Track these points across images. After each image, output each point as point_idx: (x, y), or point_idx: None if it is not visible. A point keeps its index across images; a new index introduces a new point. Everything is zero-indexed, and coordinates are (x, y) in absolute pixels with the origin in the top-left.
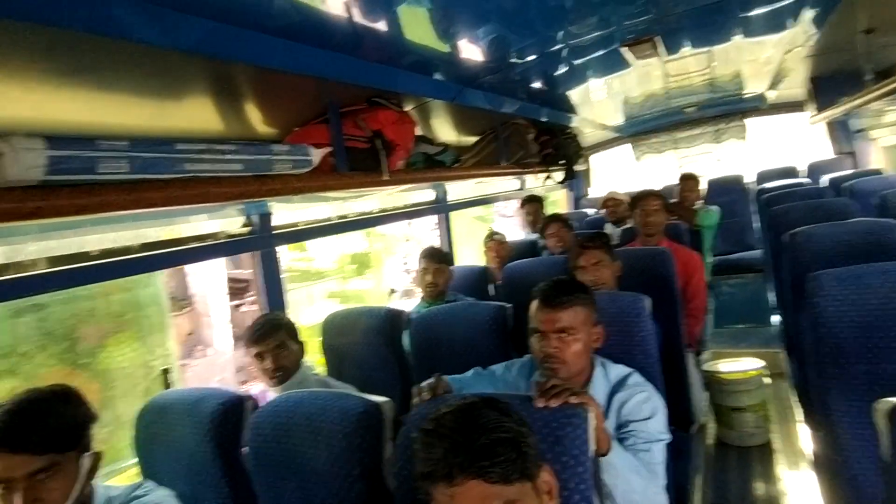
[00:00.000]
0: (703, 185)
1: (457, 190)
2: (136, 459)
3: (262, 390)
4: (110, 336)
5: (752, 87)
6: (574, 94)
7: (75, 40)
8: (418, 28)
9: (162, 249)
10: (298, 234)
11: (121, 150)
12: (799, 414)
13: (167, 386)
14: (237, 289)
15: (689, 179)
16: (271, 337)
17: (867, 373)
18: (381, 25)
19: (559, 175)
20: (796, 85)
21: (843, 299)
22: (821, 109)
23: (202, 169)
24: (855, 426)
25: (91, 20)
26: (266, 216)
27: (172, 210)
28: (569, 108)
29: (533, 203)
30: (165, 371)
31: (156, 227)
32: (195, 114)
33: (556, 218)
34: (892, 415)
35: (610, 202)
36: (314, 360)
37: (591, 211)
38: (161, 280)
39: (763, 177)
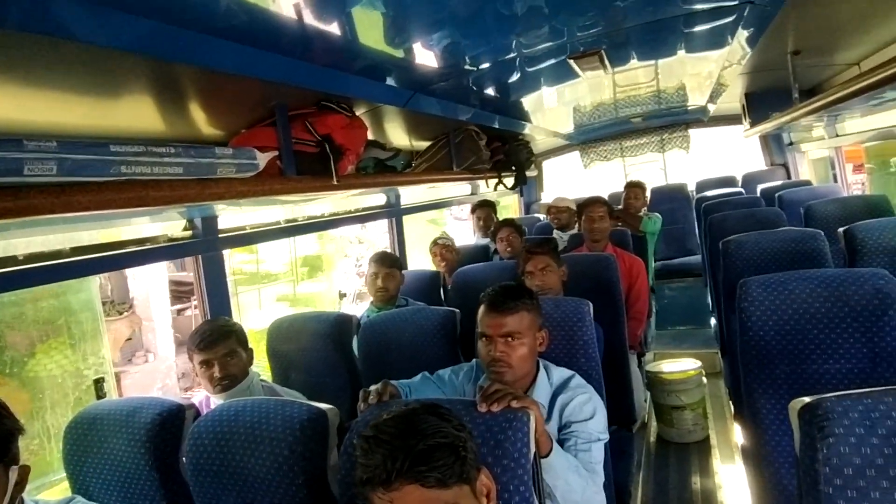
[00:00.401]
0: (648, 193)
1: (409, 193)
2: (66, 473)
3: (205, 397)
4: (39, 344)
5: (695, 100)
6: (526, 102)
7: (3, 36)
8: (371, 32)
9: (96, 254)
10: (245, 238)
11: (49, 151)
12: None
13: (100, 396)
14: (180, 293)
15: (634, 187)
16: (220, 344)
17: (789, 374)
18: (333, 28)
19: (510, 181)
20: (733, 99)
21: (768, 304)
22: (753, 124)
23: (139, 172)
24: (776, 423)
25: (25, 17)
26: (211, 219)
27: (108, 213)
28: (521, 116)
29: (484, 208)
30: (98, 381)
31: (91, 229)
32: (133, 114)
33: (506, 223)
34: (803, 413)
35: (552, 209)
36: (260, 365)
37: (542, 216)
38: (95, 285)
39: (702, 186)
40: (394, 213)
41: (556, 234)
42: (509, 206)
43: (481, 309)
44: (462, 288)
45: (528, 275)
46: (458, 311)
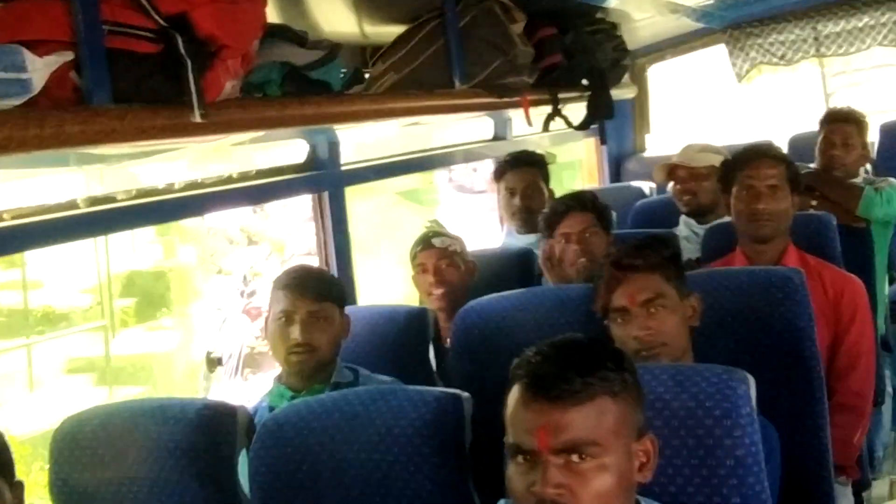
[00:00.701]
0: (873, 136)
1: (360, 139)
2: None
3: None
4: None
5: None
6: None
7: None
8: None
9: None
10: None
11: None
12: None
13: None
14: None
15: (845, 122)
16: None
17: None
18: None
19: (577, 110)
20: None
21: None
22: None
23: None
24: None
25: None
26: None
27: None
28: None
29: (522, 170)
30: None
31: None
32: None
33: (573, 202)
34: None
35: (681, 171)
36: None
37: (646, 186)
38: None
39: None
40: (325, 180)
41: (682, 225)
42: (575, 166)
43: (514, 395)
44: (474, 343)
45: (622, 318)
46: (464, 395)
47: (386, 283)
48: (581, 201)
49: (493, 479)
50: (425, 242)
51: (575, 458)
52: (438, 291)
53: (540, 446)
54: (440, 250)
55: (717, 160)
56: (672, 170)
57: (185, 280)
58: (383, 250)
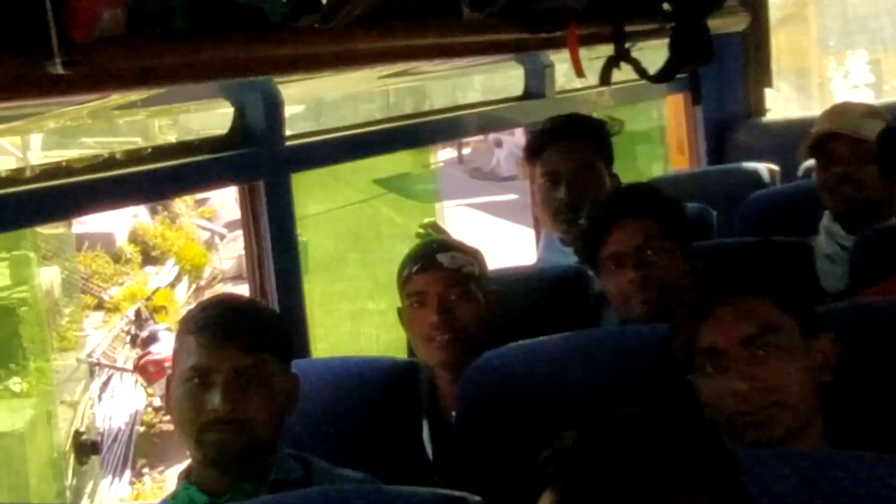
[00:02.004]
0: None
1: (313, 99)
2: None
3: None
4: None
5: None
6: None
7: None
8: None
9: None
10: None
11: None
12: None
13: None
14: None
15: None
16: None
17: None
18: None
19: (655, 56)
20: None
21: None
22: None
23: None
24: None
25: None
26: None
27: None
28: None
29: (570, 145)
30: None
31: None
32: None
33: (621, 207)
34: None
35: (840, 145)
36: None
37: (765, 169)
38: None
39: None
40: (260, 163)
41: (823, 235)
42: (653, 138)
43: None
44: (491, 415)
45: (711, 363)
46: (474, 500)
47: (357, 323)
48: (639, 200)
49: None
50: (425, 259)
51: None
52: (444, 337)
53: None
54: (448, 273)
55: (879, 121)
56: (823, 142)
57: (43, 319)
58: (351, 272)
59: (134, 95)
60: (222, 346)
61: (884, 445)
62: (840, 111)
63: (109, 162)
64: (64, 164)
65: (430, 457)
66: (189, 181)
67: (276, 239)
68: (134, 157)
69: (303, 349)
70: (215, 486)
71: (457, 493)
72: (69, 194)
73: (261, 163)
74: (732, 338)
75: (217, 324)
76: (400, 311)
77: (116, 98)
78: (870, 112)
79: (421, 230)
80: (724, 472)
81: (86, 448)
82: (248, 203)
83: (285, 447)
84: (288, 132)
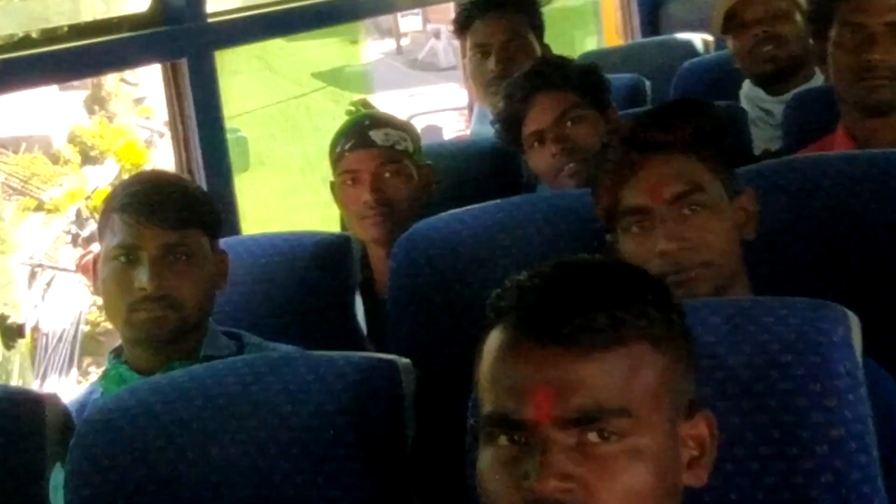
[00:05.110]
0: None
1: None
2: None
3: None
4: None
5: None
6: None
7: None
8: None
9: None
10: None
11: None
12: None
13: None
14: None
15: None
16: None
17: None
18: None
19: None
20: None
21: None
22: None
23: None
24: None
25: None
26: None
27: None
28: None
29: (499, 16)
30: None
31: None
32: None
33: (537, 81)
34: None
35: (754, 8)
36: None
37: (698, 39)
38: None
39: None
40: (181, 39)
41: (744, 101)
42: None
43: (496, 342)
44: (422, 283)
45: (636, 223)
46: (403, 362)
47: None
48: (551, 73)
49: (446, 486)
50: (358, 136)
51: (593, 435)
52: (378, 215)
53: (538, 416)
54: (382, 150)
55: None
56: (738, 8)
57: None
58: (283, 161)
59: None
60: (149, 222)
61: (814, 294)
62: None
63: (26, 41)
64: None
65: (364, 328)
66: (110, 60)
67: (201, 117)
68: (52, 35)
69: (232, 227)
70: (146, 364)
71: (388, 357)
72: None
73: (182, 40)
74: (660, 196)
75: (143, 201)
76: (332, 185)
77: None
78: None
79: (351, 107)
80: (675, 303)
81: (11, 331)
82: (172, 82)
83: (217, 325)
84: (210, 7)
